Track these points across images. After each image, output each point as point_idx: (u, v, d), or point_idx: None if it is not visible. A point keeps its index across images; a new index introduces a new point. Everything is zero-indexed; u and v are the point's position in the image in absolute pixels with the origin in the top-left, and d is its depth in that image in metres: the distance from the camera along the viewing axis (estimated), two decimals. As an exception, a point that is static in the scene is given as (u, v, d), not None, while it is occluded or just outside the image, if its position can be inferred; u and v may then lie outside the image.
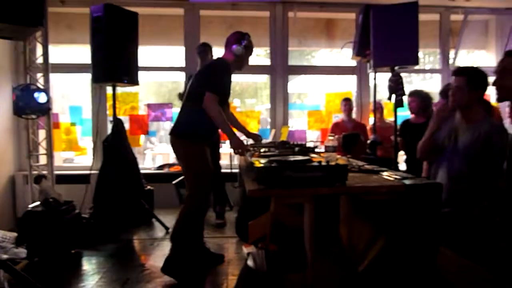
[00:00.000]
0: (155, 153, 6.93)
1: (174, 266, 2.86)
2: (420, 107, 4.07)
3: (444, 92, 3.35)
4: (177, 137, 2.91)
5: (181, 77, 5.44)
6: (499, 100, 1.94)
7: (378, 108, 4.93)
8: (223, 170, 4.46)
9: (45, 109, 4.18)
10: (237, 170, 4.42)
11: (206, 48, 4.29)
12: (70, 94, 5.61)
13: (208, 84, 2.75)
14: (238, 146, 2.68)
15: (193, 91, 2.90)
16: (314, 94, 6.24)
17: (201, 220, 3.04)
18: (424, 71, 6.48)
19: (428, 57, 6.75)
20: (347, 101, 5.01)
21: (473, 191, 2.32)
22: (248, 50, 2.94)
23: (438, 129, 2.46)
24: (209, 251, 3.25)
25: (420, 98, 4.07)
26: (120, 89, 4.48)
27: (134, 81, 4.18)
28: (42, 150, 4.57)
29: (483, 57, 6.19)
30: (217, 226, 4.25)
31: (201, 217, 3.00)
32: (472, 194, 2.33)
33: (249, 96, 7.17)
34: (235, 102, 5.80)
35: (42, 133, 4.64)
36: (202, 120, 2.77)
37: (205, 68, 3.01)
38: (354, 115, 5.28)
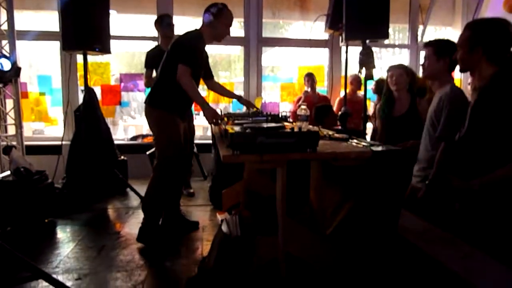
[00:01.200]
0: (128, 124, 6.85)
1: (147, 234, 2.93)
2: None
3: None
4: (151, 106, 2.93)
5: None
6: (461, 70, 2.06)
7: (353, 81, 5.05)
8: (196, 141, 4.48)
9: (9, 77, 4.05)
10: (210, 141, 4.47)
11: (170, 21, 4.17)
12: (39, 63, 5.42)
13: (179, 56, 2.76)
14: (212, 116, 2.71)
15: (167, 62, 2.90)
16: (287, 67, 6.29)
17: (173, 188, 3.07)
18: (394, 46, 6.62)
19: (398, 33, 6.89)
20: (309, 76, 5.12)
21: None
22: (221, 18, 2.89)
23: None
24: (184, 218, 3.34)
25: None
26: (90, 58, 4.37)
27: (106, 50, 4.09)
28: (10, 120, 4.45)
29: (450, 34, 6.38)
30: (188, 195, 4.31)
31: (171, 185, 3.01)
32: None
33: (223, 69, 7.14)
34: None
35: (9, 103, 4.51)
36: (176, 92, 2.78)
37: (177, 40, 2.98)
38: (325, 88, 5.40)
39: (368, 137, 4.38)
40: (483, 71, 1.87)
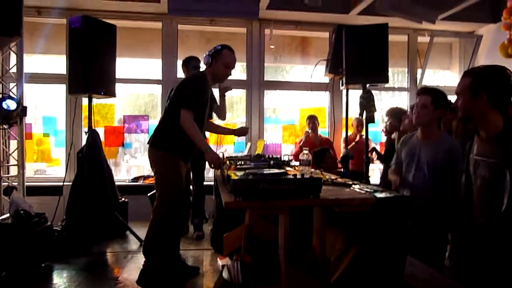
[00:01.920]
0: (130, 165, 6.86)
1: (148, 278, 2.86)
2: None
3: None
4: (155, 147, 2.92)
5: (157, 89, 5.46)
6: (462, 119, 2.09)
7: (359, 125, 5.08)
8: (206, 183, 4.45)
9: (14, 117, 4.09)
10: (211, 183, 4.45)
11: (197, 64, 4.19)
12: (44, 105, 5.51)
13: (181, 100, 2.78)
14: (214, 160, 2.70)
15: (170, 104, 2.94)
16: (289, 109, 6.38)
17: (173, 231, 2.99)
18: (393, 89, 6.74)
19: (397, 75, 7.03)
20: (311, 118, 5.12)
21: (433, 204, 2.49)
22: (218, 58, 2.87)
23: None
24: (184, 263, 3.25)
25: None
26: (95, 101, 4.45)
27: (110, 93, 4.18)
28: (13, 161, 4.47)
29: (447, 77, 6.52)
30: (196, 238, 4.23)
31: (172, 228, 2.94)
32: (432, 207, 2.49)
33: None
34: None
35: (13, 144, 4.54)
36: (179, 134, 2.78)
37: (181, 83, 3.02)
38: (327, 130, 5.44)
39: (373, 180, 4.38)
40: (492, 118, 1.85)
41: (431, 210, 2.51)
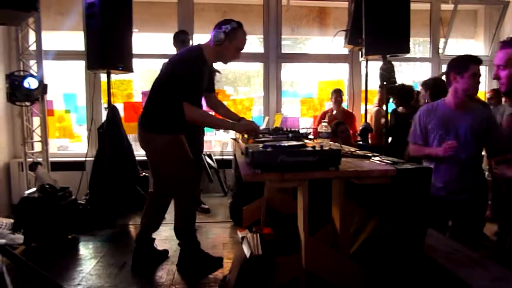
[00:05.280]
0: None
1: (190, 259, 2.82)
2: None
3: (426, 84, 3.38)
4: (153, 132, 2.65)
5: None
6: (506, 93, 2.04)
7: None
8: (216, 157, 4.49)
9: (36, 95, 4.17)
10: (231, 157, 4.48)
11: (185, 37, 4.09)
12: (64, 82, 5.58)
13: (178, 90, 2.51)
14: (248, 130, 2.48)
15: (162, 84, 2.66)
16: (307, 82, 6.29)
17: (195, 208, 2.95)
18: (414, 59, 6.55)
19: (418, 46, 6.81)
20: (337, 92, 4.92)
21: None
22: (233, 39, 2.55)
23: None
24: (208, 255, 3.05)
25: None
26: (114, 77, 4.48)
27: (129, 68, 4.20)
28: (36, 137, 4.58)
29: (472, 46, 6.28)
30: (202, 211, 4.28)
31: (195, 206, 2.90)
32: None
33: (242, 84, 7.19)
34: (228, 90, 5.82)
35: (36, 121, 4.65)
36: (173, 113, 2.55)
37: (175, 62, 2.67)
38: (345, 102, 5.35)
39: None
40: None
41: (475, 181, 2.50)
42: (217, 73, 3.89)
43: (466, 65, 2.43)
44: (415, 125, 2.66)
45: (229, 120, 2.76)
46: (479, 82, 2.43)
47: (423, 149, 2.58)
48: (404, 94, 4.05)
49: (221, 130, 5.40)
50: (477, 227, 2.57)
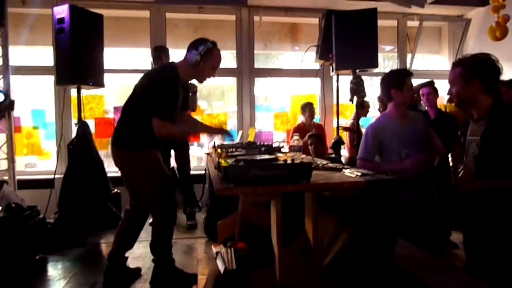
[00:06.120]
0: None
1: (165, 276, 2.76)
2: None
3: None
4: (126, 149, 2.63)
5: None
6: (458, 105, 2.17)
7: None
8: (193, 172, 4.46)
9: (3, 110, 4.05)
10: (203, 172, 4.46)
11: (159, 54, 4.09)
12: (32, 97, 5.45)
13: (151, 107, 2.51)
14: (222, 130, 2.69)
15: (133, 100, 2.66)
16: (280, 96, 6.38)
17: (173, 224, 2.86)
18: (383, 74, 6.74)
19: (388, 61, 7.04)
20: (309, 106, 5.01)
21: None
22: (208, 59, 2.59)
23: None
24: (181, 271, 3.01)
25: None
26: (84, 92, 4.41)
27: (99, 83, 4.14)
28: (2, 154, 4.42)
29: (437, 61, 6.54)
30: (188, 227, 4.24)
31: (173, 222, 2.83)
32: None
33: (216, 99, 7.21)
34: (202, 105, 5.82)
35: (2, 137, 4.49)
36: (146, 129, 2.52)
37: (150, 78, 2.67)
38: (318, 116, 5.45)
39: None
40: (482, 102, 2.00)
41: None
42: (195, 93, 3.93)
43: (403, 79, 2.62)
44: (366, 142, 2.65)
45: (185, 128, 2.84)
46: (414, 92, 2.75)
47: (381, 166, 2.57)
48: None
49: (195, 144, 5.43)
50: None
